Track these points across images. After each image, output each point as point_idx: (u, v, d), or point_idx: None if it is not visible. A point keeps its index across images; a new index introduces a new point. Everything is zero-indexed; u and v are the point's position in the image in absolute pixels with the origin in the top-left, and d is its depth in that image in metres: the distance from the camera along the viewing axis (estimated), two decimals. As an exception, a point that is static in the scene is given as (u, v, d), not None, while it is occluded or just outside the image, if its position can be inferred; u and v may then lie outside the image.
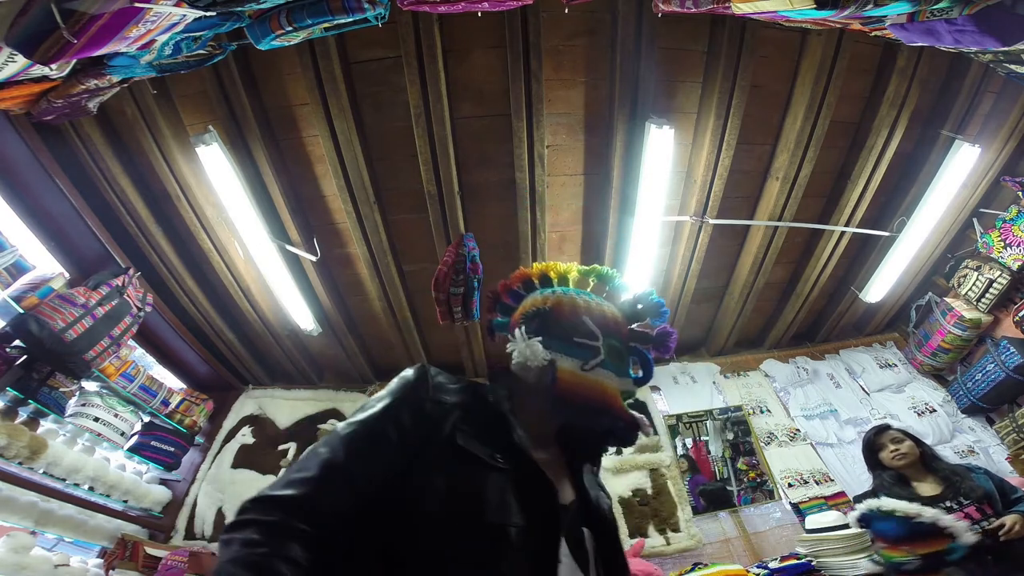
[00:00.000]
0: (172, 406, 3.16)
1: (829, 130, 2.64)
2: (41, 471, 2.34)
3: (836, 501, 2.93)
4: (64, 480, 2.43)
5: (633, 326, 0.97)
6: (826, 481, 3.05)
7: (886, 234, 3.17)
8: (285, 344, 3.43)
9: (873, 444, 2.32)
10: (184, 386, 3.40)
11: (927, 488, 2.13)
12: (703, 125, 2.57)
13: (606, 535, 0.83)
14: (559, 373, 0.85)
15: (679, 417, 3.36)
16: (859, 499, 2.77)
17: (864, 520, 2.21)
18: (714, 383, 3.60)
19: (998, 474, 2.24)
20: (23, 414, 2.39)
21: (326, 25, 1.58)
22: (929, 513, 1.93)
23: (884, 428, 2.35)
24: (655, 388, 3.56)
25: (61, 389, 2.54)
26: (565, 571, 0.72)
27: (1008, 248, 3.02)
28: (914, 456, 2.21)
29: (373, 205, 2.63)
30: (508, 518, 0.70)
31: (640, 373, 0.97)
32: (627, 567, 0.85)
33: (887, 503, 2.05)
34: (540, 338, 0.88)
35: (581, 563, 0.75)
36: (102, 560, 2.52)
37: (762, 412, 3.43)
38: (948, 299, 3.40)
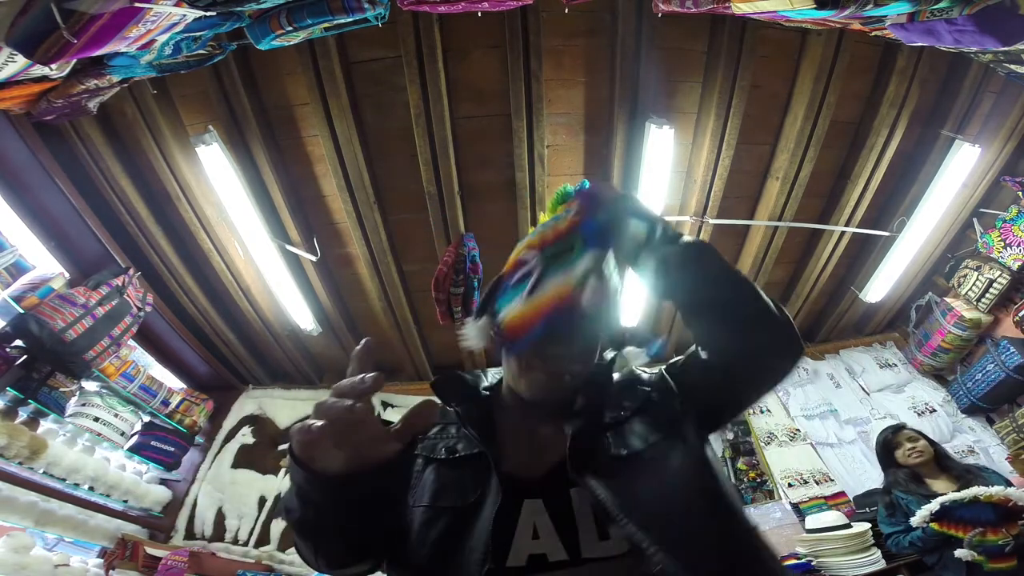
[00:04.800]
0: (172, 406, 3.16)
1: (829, 130, 2.64)
2: (41, 471, 2.34)
3: (836, 501, 2.93)
4: (64, 480, 2.42)
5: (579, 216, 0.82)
6: (826, 481, 3.05)
7: (886, 234, 3.17)
8: (285, 344, 3.43)
9: (890, 442, 2.34)
10: (184, 386, 3.39)
11: (941, 486, 2.15)
12: (703, 125, 2.56)
13: (622, 478, 0.68)
14: (503, 323, 0.79)
15: (679, 417, 3.36)
16: (868, 496, 2.77)
17: (943, 513, 2.01)
18: (714, 383, 3.60)
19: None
20: (23, 414, 2.39)
21: (326, 25, 1.59)
22: (1016, 493, 1.90)
23: (900, 427, 2.40)
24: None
25: (61, 389, 2.54)
26: (546, 533, 0.66)
27: (1008, 248, 3.02)
28: (929, 455, 2.25)
29: (373, 205, 2.63)
30: (453, 500, 0.73)
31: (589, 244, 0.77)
32: (674, 509, 0.66)
33: (973, 491, 1.94)
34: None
35: (564, 525, 0.67)
36: (102, 560, 2.52)
37: (762, 412, 3.43)
38: (948, 299, 3.40)
